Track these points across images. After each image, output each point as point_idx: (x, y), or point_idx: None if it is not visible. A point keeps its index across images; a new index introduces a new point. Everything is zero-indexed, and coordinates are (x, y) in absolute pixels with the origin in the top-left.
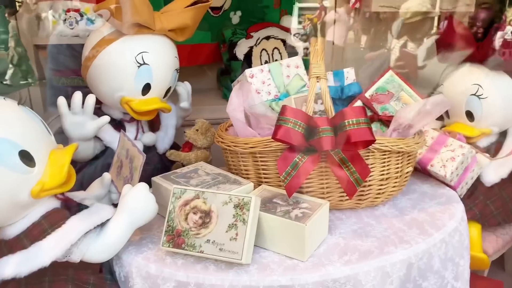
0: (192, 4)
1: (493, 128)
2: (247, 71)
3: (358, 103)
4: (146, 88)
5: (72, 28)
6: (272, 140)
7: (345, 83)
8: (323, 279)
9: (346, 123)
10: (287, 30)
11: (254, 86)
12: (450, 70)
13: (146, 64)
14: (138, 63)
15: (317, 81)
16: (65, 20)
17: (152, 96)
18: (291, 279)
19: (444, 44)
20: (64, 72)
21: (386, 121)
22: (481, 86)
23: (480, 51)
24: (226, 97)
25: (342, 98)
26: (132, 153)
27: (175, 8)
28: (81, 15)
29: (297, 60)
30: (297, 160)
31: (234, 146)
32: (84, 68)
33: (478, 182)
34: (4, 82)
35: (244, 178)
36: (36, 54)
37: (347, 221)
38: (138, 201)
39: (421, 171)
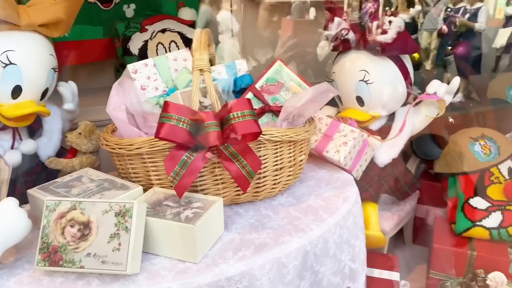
0: None
1: (382, 111)
2: (130, 67)
3: (249, 95)
4: (17, 91)
5: None
6: (156, 138)
7: (238, 75)
8: (216, 279)
9: (232, 116)
10: (184, 22)
11: (138, 82)
12: (339, 57)
13: (13, 64)
14: (3, 63)
15: (201, 74)
16: None
17: (25, 100)
18: (182, 284)
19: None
20: None
21: (277, 112)
22: (368, 72)
23: (364, 38)
24: None
25: (236, 91)
26: None
27: (44, 0)
28: None
29: (185, 53)
30: (185, 158)
31: (119, 148)
32: None
33: (372, 163)
34: None
35: (134, 182)
36: None
37: (245, 215)
38: (4, 219)
39: (318, 157)
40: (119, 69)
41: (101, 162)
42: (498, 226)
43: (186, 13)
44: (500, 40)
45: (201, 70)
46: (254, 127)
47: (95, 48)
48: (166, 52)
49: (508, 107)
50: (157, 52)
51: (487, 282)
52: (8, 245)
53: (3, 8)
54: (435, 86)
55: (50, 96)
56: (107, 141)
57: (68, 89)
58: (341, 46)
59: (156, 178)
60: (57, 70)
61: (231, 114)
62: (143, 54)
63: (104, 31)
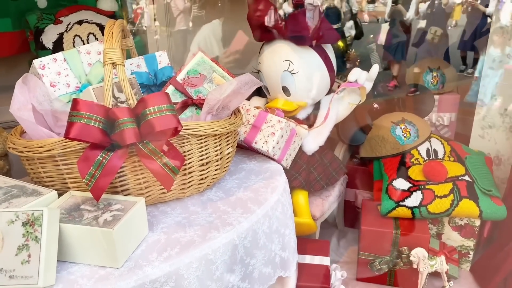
0: None
1: (308, 100)
2: (36, 62)
3: (170, 88)
4: None
5: None
6: (66, 139)
7: (158, 67)
8: (140, 282)
9: (148, 112)
10: (104, 13)
11: (47, 79)
12: (264, 47)
13: None
14: None
15: (113, 68)
16: None
17: None
18: None
19: (253, 23)
20: None
21: (200, 105)
22: (292, 62)
23: (285, 28)
24: None
25: (157, 84)
26: None
27: None
28: None
29: (98, 45)
30: (101, 158)
31: (28, 151)
32: None
33: (300, 152)
34: None
35: (47, 186)
36: None
37: (172, 213)
38: None
39: (248, 149)
40: None
41: (12, 167)
42: (419, 205)
43: (105, 3)
44: None
45: (113, 63)
46: (173, 122)
47: (6, 42)
48: (84, 43)
49: (425, 92)
50: (74, 46)
51: (410, 258)
52: None
53: None
54: (356, 74)
55: None
56: (14, 144)
57: None
58: (265, 37)
59: (71, 181)
60: None
61: (147, 109)
62: (58, 47)
63: (13, 23)
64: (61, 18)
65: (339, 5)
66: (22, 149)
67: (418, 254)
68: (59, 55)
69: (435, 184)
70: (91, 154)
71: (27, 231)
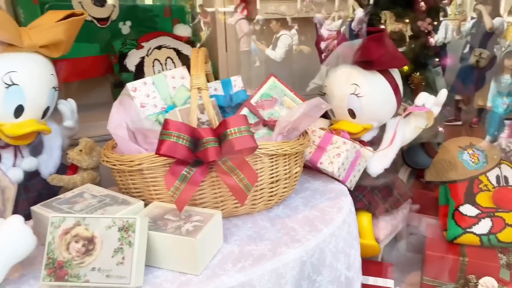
0: (65, 18)
1: (373, 123)
2: (129, 85)
3: (244, 110)
4: (19, 110)
5: None
6: (157, 155)
7: (233, 91)
8: None
9: (229, 132)
10: (180, 38)
11: (138, 100)
12: (331, 71)
13: (16, 84)
14: (6, 84)
15: (199, 92)
16: None
17: (27, 118)
18: None
19: (319, 48)
20: None
21: (272, 126)
22: (358, 86)
23: (354, 53)
24: None
25: (232, 106)
26: (3, 183)
27: (45, 22)
28: None
29: (182, 71)
30: (185, 173)
31: (120, 164)
32: None
33: (365, 174)
34: None
35: (135, 197)
36: None
37: (243, 227)
38: (11, 236)
39: (314, 169)
40: (116, 85)
41: (101, 177)
42: (488, 232)
43: (181, 29)
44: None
45: (198, 88)
46: (250, 142)
47: (92, 65)
48: (162, 68)
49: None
50: (153, 68)
51: (478, 287)
52: (14, 261)
53: (6, 30)
54: (423, 98)
55: (50, 113)
56: (108, 157)
57: (68, 106)
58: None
59: (156, 192)
60: (57, 89)
61: (228, 130)
62: (139, 70)
63: (100, 48)
64: (142, 43)
65: (404, 29)
66: (115, 163)
67: (487, 284)
68: (148, 79)
69: (505, 211)
70: (177, 169)
71: (122, 236)
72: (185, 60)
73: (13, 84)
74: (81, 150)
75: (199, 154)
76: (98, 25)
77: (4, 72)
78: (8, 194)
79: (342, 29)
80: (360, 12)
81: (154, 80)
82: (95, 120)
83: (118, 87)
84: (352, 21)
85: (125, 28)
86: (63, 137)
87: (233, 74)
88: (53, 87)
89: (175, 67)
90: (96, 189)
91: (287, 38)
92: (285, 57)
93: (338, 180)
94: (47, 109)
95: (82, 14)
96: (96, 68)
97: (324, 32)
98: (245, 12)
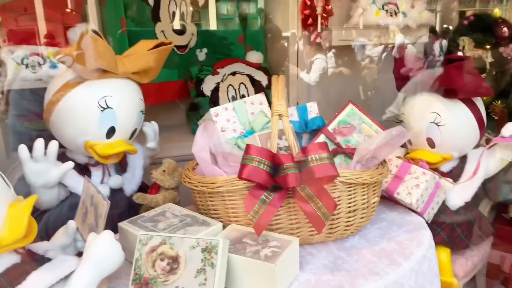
0: (155, 47)
1: (453, 153)
2: (212, 110)
3: (321, 137)
4: (111, 132)
5: (34, 72)
6: (239, 178)
7: (308, 117)
8: None
9: (310, 159)
10: (252, 65)
11: (219, 125)
12: (409, 99)
13: (110, 107)
14: (101, 107)
15: (280, 119)
16: (27, 65)
17: (117, 139)
18: None
19: (400, 75)
20: (27, 117)
21: (350, 154)
22: (439, 114)
23: (435, 80)
24: (195, 132)
25: (308, 132)
26: (96, 200)
27: (138, 51)
28: (44, 59)
29: (261, 97)
30: (264, 197)
31: (202, 186)
32: (46, 112)
33: (444, 206)
34: None
35: (213, 218)
36: None
37: (318, 256)
38: (103, 250)
39: (389, 199)
40: (191, 109)
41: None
42: None
43: (253, 56)
44: None
45: (279, 115)
46: (331, 170)
47: (171, 89)
48: (236, 93)
49: None
50: (227, 94)
51: None
52: (104, 275)
53: (105, 59)
54: (511, 129)
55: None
56: (190, 179)
57: (151, 128)
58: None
59: (234, 215)
60: (143, 112)
61: (309, 157)
62: (214, 95)
63: (179, 73)
64: (218, 70)
65: (483, 55)
66: (197, 184)
67: None
68: (229, 105)
69: None
70: (257, 193)
71: (205, 257)
72: (257, 86)
73: (108, 107)
74: (164, 171)
75: (278, 179)
76: (178, 52)
77: (101, 96)
78: (101, 211)
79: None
80: (400, 38)
81: (234, 105)
82: (172, 141)
83: (193, 110)
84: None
85: (202, 54)
86: (145, 157)
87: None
88: (141, 111)
89: (247, 92)
90: (177, 209)
91: (321, 62)
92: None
93: (416, 212)
94: (135, 130)
95: (170, 43)
96: (174, 92)
97: (410, 59)
98: (318, 39)
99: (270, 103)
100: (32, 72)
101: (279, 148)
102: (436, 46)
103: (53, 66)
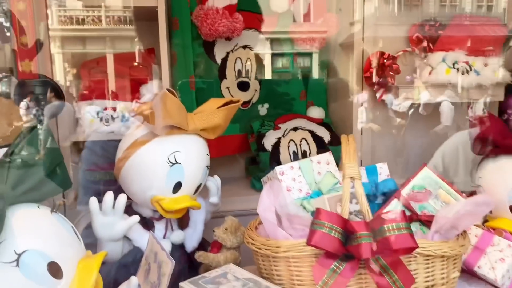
0: (224, 105)
1: None
2: (278, 169)
3: (394, 202)
4: (177, 187)
5: (107, 125)
6: (307, 245)
7: (378, 179)
8: None
9: (386, 228)
10: (314, 120)
11: (284, 184)
12: (488, 162)
13: (178, 163)
14: (170, 163)
15: (352, 182)
16: (101, 118)
17: (183, 194)
18: None
19: (479, 138)
20: (98, 167)
21: (425, 221)
22: None
23: None
24: (254, 187)
25: (377, 195)
26: (160, 258)
27: (207, 108)
28: (117, 114)
29: (328, 156)
30: (335, 267)
31: (266, 249)
32: (117, 169)
33: None
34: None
35: (276, 283)
36: (72, 151)
37: None
38: None
39: (467, 272)
40: (250, 162)
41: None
42: None
43: (315, 111)
44: None
45: (352, 177)
46: (410, 242)
47: (232, 143)
48: (297, 148)
49: None
50: (288, 149)
51: None
52: None
53: (178, 117)
54: None
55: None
56: (253, 240)
57: (215, 183)
58: (492, 151)
59: (299, 282)
60: (209, 167)
61: (385, 226)
62: (275, 150)
63: (240, 127)
64: (279, 125)
65: None
66: (261, 247)
67: None
68: (295, 164)
69: None
70: (326, 262)
71: None
72: (319, 142)
73: (176, 163)
74: (226, 229)
75: (351, 248)
76: (241, 107)
77: (170, 152)
78: (165, 269)
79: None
80: (425, 96)
81: (300, 164)
82: (231, 195)
83: (252, 164)
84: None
85: (263, 110)
86: (207, 212)
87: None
88: (206, 166)
89: (309, 148)
90: (238, 271)
91: (448, 106)
92: None
93: None
94: (199, 185)
95: (238, 101)
96: (235, 146)
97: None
98: (384, 97)
99: (337, 162)
100: (105, 125)
101: (349, 212)
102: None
103: (125, 119)
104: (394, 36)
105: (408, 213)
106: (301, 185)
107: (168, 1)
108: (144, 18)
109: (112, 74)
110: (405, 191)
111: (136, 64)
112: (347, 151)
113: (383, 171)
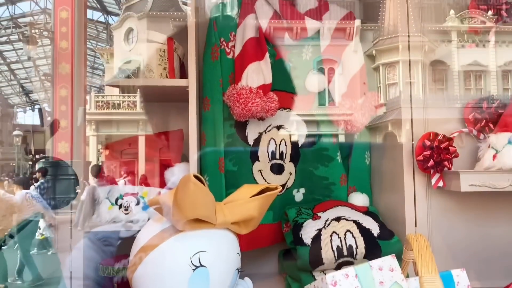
0: (259, 193)
1: None
2: (328, 278)
3: None
4: None
5: (127, 213)
6: None
7: None
8: None
9: None
10: (359, 209)
11: None
12: None
13: (203, 266)
14: (193, 266)
15: None
16: (120, 205)
17: None
18: None
19: None
20: (110, 261)
21: None
22: None
23: None
24: (290, 287)
25: None
26: None
27: (240, 197)
28: (138, 201)
29: (391, 261)
30: None
31: None
32: (129, 272)
33: None
34: None
35: None
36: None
37: None
38: None
39: None
40: (284, 256)
41: None
42: None
43: (357, 198)
44: None
45: None
46: None
47: (264, 233)
48: (341, 242)
49: None
50: (331, 243)
51: None
52: None
53: (205, 209)
54: None
55: None
56: None
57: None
58: None
59: None
60: (240, 270)
61: None
62: (315, 244)
63: (274, 216)
64: (319, 214)
65: None
66: None
67: None
68: (350, 270)
69: None
70: None
71: None
72: (367, 235)
73: (201, 265)
74: None
75: None
76: None
77: (194, 252)
78: None
79: None
80: None
81: (357, 271)
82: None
83: (287, 258)
84: None
85: (299, 195)
86: None
87: None
88: (237, 269)
89: (355, 242)
90: None
91: None
92: None
93: None
94: None
95: (275, 188)
96: (267, 237)
97: None
98: (440, 183)
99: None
100: (124, 213)
101: None
102: None
103: (146, 207)
104: (444, 117)
105: None
106: None
107: (199, 82)
108: (175, 99)
109: (143, 156)
110: None
111: (162, 146)
112: (423, 258)
113: (461, 279)
